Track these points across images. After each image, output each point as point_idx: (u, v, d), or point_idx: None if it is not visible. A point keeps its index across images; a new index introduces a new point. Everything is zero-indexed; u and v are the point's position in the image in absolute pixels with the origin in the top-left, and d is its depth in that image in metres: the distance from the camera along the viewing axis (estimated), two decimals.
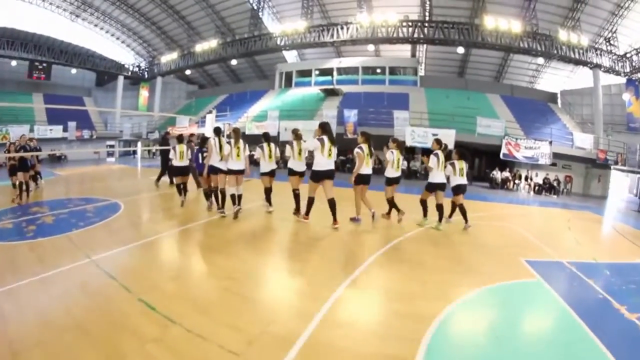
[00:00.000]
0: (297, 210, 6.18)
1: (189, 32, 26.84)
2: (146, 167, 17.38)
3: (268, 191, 6.58)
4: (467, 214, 6.13)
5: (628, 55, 18.79)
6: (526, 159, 15.91)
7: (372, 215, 6.05)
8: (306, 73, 25.97)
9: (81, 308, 2.85)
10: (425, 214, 6.25)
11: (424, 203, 6.26)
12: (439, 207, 6.02)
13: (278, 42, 22.57)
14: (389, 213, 6.50)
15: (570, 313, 3.02)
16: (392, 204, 6.31)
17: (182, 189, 7.28)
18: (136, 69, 29.70)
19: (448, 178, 6.18)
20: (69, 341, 2.40)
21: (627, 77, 18.74)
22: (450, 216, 6.55)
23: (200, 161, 7.08)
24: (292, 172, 6.13)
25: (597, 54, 18.90)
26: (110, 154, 25.13)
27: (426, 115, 18.02)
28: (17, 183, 7.32)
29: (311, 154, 5.89)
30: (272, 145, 6.41)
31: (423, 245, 5.05)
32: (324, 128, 5.67)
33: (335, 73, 24.54)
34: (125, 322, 2.65)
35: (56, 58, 26.27)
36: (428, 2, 20.54)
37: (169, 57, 27.58)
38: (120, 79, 28.34)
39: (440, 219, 6.06)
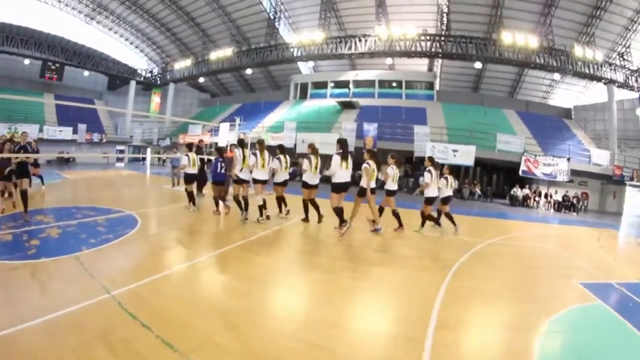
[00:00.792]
0: (306, 218, 6.92)
1: (203, 40, 27.49)
2: (155, 174, 17.48)
3: (280, 200, 7.24)
4: (498, 233, 6.89)
5: None
6: (545, 176, 16.41)
7: (375, 229, 6.61)
8: (321, 85, 26.59)
9: None
10: (422, 224, 7.19)
11: (425, 215, 7.10)
12: (439, 215, 7.30)
13: (295, 53, 23.24)
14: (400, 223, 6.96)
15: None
16: (396, 214, 6.88)
17: (191, 196, 7.63)
18: (148, 75, 30.34)
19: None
20: None
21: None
22: (438, 223, 7.41)
23: (219, 170, 7.38)
24: (307, 185, 6.70)
25: (611, 69, 19.52)
26: (119, 159, 25.56)
27: (445, 131, 18.51)
28: (4, 192, 6.46)
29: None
30: (287, 157, 7.13)
31: (478, 269, 5.20)
32: (341, 144, 6.33)
33: (351, 85, 25.16)
34: None
35: (69, 59, 26.81)
36: (446, 16, 21.29)
37: (182, 64, 28.19)
38: (133, 83, 28.91)
39: (439, 224, 7.26)
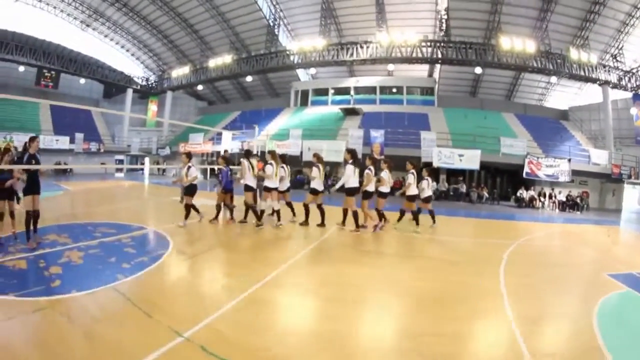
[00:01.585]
0: (306, 222, 7.55)
1: (201, 47, 27.75)
2: (155, 184, 17.35)
3: (290, 204, 8.03)
4: (521, 235, 7.74)
5: (634, 70, 20.54)
6: (547, 177, 17.17)
7: (375, 227, 7.39)
8: (322, 92, 27.14)
9: None
10: (400, 219, 8.23)
11: (403, 212, 8.17)
12: (417, 213, 8.00)
13: (295, 60, 23.69)
14: (381, 220, 7.75)
15: None
16: (381, 213, 7.64)
17: (196, 208, 7.33)
18: (145, 83, 30.47)
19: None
20: None
21: (633, 92, 20.34)
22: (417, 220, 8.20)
23: (228, 179, 7.72)
24: (316, 192, 7.42)
25: (605, 71, 20.55)
26: (119, 170, 25.55)
27: (449, 136, 19.17)
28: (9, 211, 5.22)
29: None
30: (288, 166, 8.11)
31: (521, 269, 5.62)
32: (353, 154, 7.25)
33: (352, 92, 25.74)
34: None
35: (65, 67, 26.80)
36: (445, 23, 22.08)
37: (180, 72, 28.40)
38: (129, 91, 29.01)
39: (417, 222, 7.94)
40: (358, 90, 26.16)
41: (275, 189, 7.41)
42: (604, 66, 20.72)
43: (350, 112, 23.46)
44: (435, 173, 18.49)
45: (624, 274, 5.61)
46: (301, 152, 19.00)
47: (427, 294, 4.12)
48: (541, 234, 9.59)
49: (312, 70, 25.36)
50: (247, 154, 7.59)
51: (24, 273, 3.88)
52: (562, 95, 25.92)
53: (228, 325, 2.93)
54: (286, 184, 7.99)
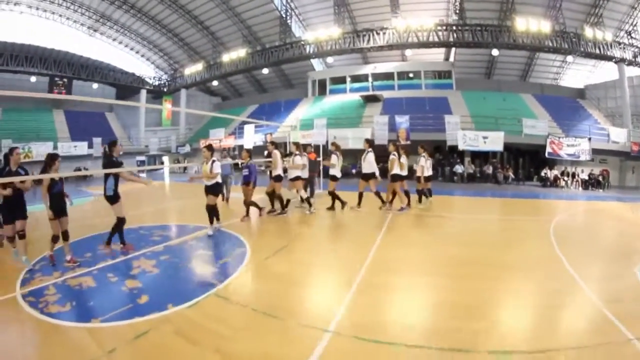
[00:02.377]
0: (332, 207, 8.11)
1: (213, 43, 28.22)
2: (178, 182, 17.84)
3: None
4: (559, 212, 9.18)
5: None
6: (569, 156, 17.93)
7: (401, 208, 8.14)
8: (340, 80, 27.69)
9: None
10: (420, 199, 8.95)
11: (421, 192, 8.86)
12: (408, 193, 8.49)
13: (309, 50, 24.24)
14: (391, 202, 8.43)
15: None
16: (394, 194, 8.30)
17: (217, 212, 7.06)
18: (157, 83, 31.12)
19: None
20: None
21: None
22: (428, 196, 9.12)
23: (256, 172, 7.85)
24: (335, 178, 8.07)
25: (620, 48, 21.00)
26: (141, 171, 26.32)
27: (469, 119, 19.90)
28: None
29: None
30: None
31: (574, 238, 6.34)
32: (372, 144, 8.28)
33: (370, 79, 26.37)
34: None
35: (76, 74, 27.44)
36: (459, 6, 22.54)
37: (193, 69, 28.92)
38: (143, 92, 29.66)
39: (420, 200, 8.83)
40: (375, 76, 26.70)
41: (301, 177, 7.80)
42: (619, 43, 21.15)
43: (370, 99, 24.04)
44: (460, 156, 19.48)
45: None
46: (327, 141, 19.64)
47: (511, 264, 4.79)
48: (573, 211, 10.46)
49: (330, 59, 25.83)
50: (277, 146, 7.98)
51: (97, 292, 3.41)
52: (577, 73, 26.40)
53: (360, 310, 3.05)
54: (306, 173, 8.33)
